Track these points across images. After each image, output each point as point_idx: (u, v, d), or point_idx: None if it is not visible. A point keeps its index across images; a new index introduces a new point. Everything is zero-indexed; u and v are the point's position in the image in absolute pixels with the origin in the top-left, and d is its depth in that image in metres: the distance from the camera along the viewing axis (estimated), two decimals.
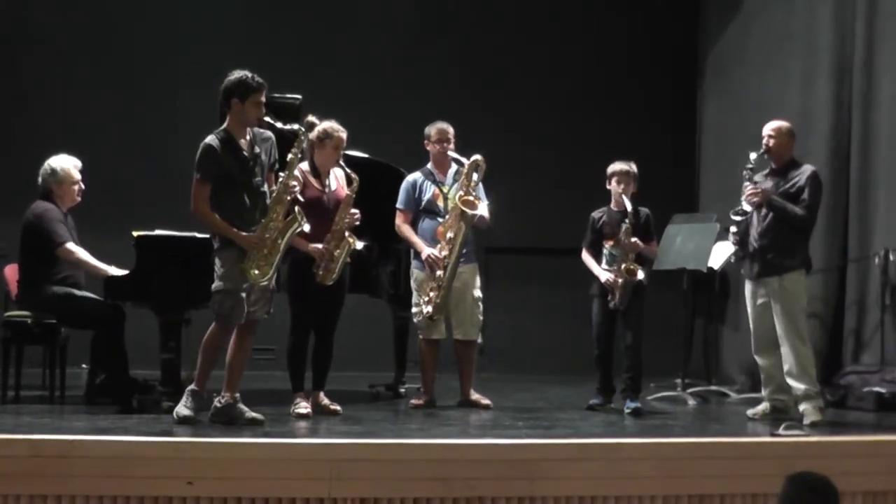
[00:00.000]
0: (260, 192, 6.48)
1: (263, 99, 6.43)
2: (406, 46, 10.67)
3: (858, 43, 8.50)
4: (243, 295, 6.36)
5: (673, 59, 10.94)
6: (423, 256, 7.46)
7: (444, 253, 7.40)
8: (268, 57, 10.09)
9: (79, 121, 9.84)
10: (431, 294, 7.42)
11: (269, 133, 6.59)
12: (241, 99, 6.38)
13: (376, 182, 7.50)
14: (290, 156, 6.48)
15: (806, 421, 6.90)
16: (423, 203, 7.61)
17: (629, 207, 7.31)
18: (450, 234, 7.41)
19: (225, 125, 6.44)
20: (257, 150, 6.48)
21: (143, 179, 9.71)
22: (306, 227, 6.55)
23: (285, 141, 6.59)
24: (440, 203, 7.61)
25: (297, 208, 6.50)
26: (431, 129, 7.70)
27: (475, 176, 7.48)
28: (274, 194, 6.47)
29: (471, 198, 7.42)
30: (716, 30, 10.54)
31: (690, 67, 10.89)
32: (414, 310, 7.62)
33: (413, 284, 7.63)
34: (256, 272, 6.34)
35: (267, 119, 6.50)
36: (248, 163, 6.43)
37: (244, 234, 6.34)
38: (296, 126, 6.60)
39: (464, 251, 7.45)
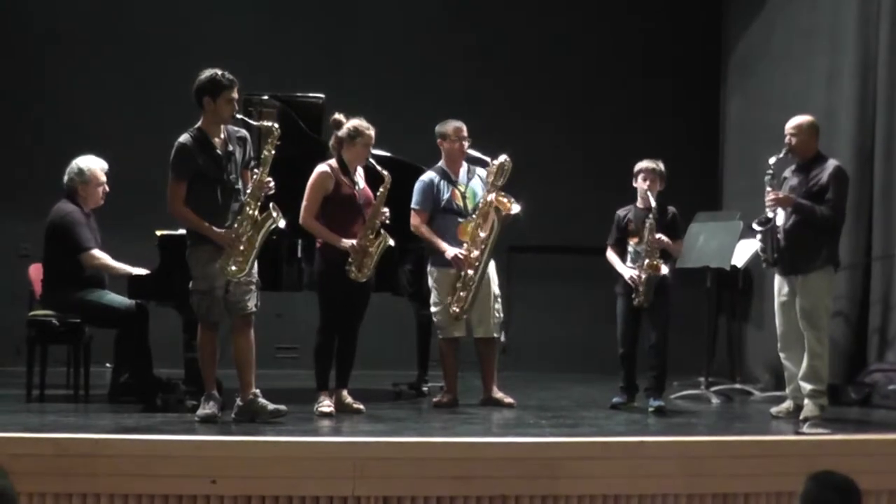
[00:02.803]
0: (234, 189, 6.50)
1: (235, 95, 6.46)
2: (429, 43, 10.65)
3: (883, 39, 8.44)
4: (219, 293, 6.39)
5: (697, 57, 10.89)
6: (450, 256, 7.40)
7: (475, 253, 7.39)
8: (291, 57, 10.16)
9: (102, 122, 9.85)
10: (461, 294, 7.40)
11: (244, 131, 6.63)
12: (213, 97, 6.41)
13: (399, 181, 7.50)
14: (264, 153, 6.47)
15: (801, 415, 6.88)
16: (443, 203, 7.60)
17: (653, 204, 7.29)
18: (482, 234, 7.40)
19: (199, 124, 6.48)
20: (231, 147, 6.51)
21: (166, 179, 9.72)
22: (282, 223, 6.57)
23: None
24: (459, 202, 7.59)
25: (272, 204, 6.50)
26: (447, 128, 7.65)
27: (502, 177, 7.47)
28: (249, 190, 6.47)
29: (504, 199, 7.42)
30: (739, 27, 10.49)
31: (714, 65, 10.83)
32: (433, 309, 7.59)
33: (432, 284, 7.60)
34: (234, 268, 6.37)
35: (240, 116, 6.54)
36: (222, 160, 6.46)
37: (220, 231, 6.37)
38: (268, 122, 6.61)
39: None
